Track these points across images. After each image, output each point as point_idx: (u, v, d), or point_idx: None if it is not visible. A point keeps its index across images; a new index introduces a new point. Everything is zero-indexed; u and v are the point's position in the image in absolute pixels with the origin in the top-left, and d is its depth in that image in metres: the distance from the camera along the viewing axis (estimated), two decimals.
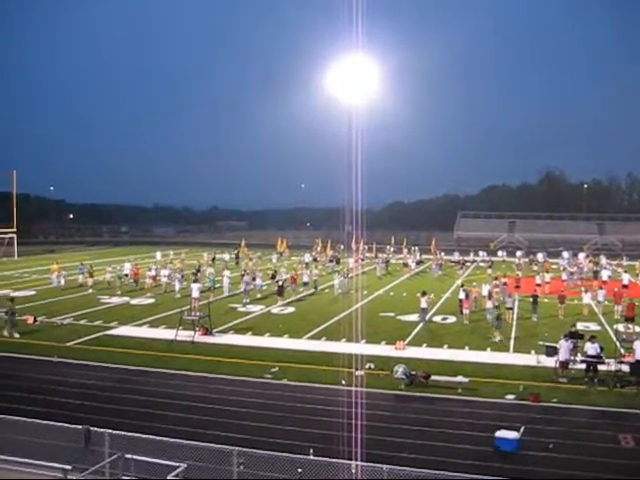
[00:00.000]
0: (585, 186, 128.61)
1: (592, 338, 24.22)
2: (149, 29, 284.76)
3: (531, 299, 35.95)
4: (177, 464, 12.60)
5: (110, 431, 13.52)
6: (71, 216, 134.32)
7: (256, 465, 12.80)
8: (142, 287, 44.68)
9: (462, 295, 35.56)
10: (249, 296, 39.69)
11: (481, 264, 63.81)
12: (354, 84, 58.11)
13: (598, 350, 23.52)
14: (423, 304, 33.51)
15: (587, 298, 37.25)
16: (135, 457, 12.92)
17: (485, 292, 37.23)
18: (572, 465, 15.89)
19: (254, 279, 43.13)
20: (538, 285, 43.57)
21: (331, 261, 60.99)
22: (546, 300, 39.16)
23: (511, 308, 34.74)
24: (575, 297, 40.37)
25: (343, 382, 22.17)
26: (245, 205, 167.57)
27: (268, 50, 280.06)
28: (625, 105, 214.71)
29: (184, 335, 29.26)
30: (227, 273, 44.72)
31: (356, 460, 13.86)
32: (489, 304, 33.67)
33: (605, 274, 49.00)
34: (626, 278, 44.94)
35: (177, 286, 42.26)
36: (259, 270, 48.08)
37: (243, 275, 43.04)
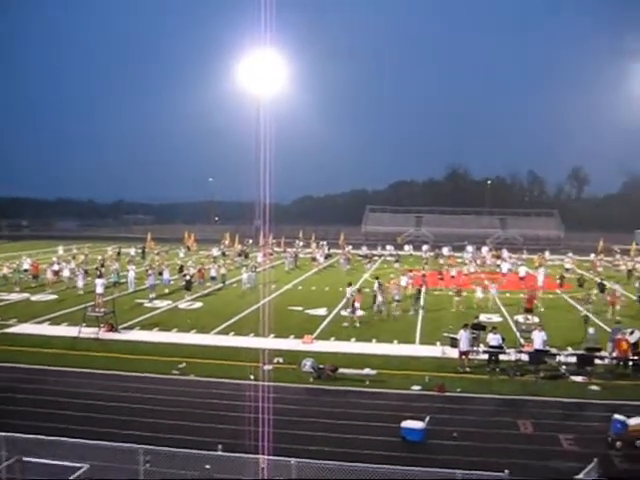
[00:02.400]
0: (488, 182, 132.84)
1: (494, 329, 25.09)
2: (46, 18, 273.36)
3: (415, 292, 36.67)
4: (79, 465, 12.21)
5: (6, 434, 12.96)
6: None
7: (163, 463, 12.56)
8: (43, 283, 43.12)
9: (376, 287, 36.49)
10: (155, 291, 38.95)
11: (388, 258, 64.79)
12: (263, 78, 57.80)
13: (500, 341, 24.42)
14: (349, 294, 34.30)
15: (492, 290, 38.13)
16: (33, 460, 12.42)
17: (404, 283, 38.80)
18: (475, 452, 16.40)
19: (161, 274, 42.45)
20: (452, 277, 45.02)
21: (239, 255, 60.66)
22: (450, 293, 40.15)
23: (399, 301, 34.99)
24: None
25: (251, 377, 22.06)
26: (152, 199, 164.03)
27: (176, 43, 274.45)
28: (527, 104, 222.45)
29: (88, 332, 28.42)
30: (132, 268, 43.78)
31: (264, 454, 13.82)
32: (379, 298, 34.33)
33: (505, 267, 51.09)
34: (523, 270, 47.66)
35: (80, 282, 40.98)
36: (166, 265, 47.25)
37: (148, 270, 42.24)
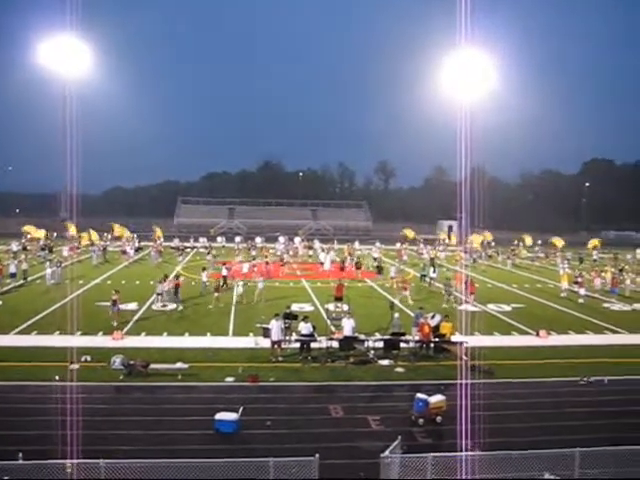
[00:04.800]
0: (300, 174, 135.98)
1: (305, 318, 25.63)
2: None
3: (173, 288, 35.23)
4: None
5: None
6: None
7: None
8: None
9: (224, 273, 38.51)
10: None
11: (201, 250, 64.29)
12: (69, 64, 54.72)
13: (311, 329, 24.98)
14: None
15: (260, 284, 37.16)
16: None
17: (246, 270, 41.05)
18: (289, 439, 16.67)
19: None
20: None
21: (43, 249, 57.34)
22: (276, 284, 40.52)
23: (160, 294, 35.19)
24: (291, 280, 42.49)
25: (57, 378, 20.90)
26: None
27: None
28: (337, 99, 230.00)
29: None
30: None
31: (72, 458, 13.19)
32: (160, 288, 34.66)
33: (323, 257, 53.96)
34: (322, 256, 54.05)
35: None
36: None
37: None
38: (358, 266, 48.31)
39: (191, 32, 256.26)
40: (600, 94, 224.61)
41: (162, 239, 66.15)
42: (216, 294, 34.26)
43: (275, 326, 24.30)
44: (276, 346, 24.31)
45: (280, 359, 24.07)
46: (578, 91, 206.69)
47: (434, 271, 44.69)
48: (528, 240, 69.89)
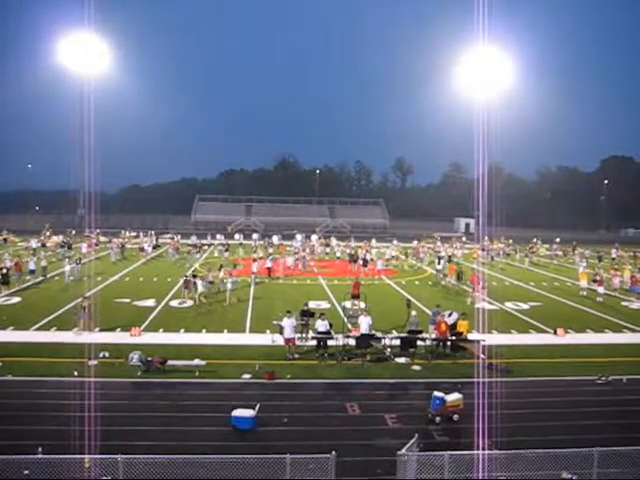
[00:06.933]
0: (317, 172, 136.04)
1: (322, 315, 25.60)
2: None
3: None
4: None
5: None
6: None
7: None
8: None
9: (255, 268, 39.82)
10: None
11: (218, 247, 64.51)
12: (87, 62, 54.82)
13: (327, 326, 24.94)
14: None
15: (229, 285, 36.36)
16: None
17: (290, 262, 42.80)
18: (305, 436, 16.67)
19: None
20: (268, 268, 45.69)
21: (62, 246, 57.76)
22: (280, 281, 40.63)
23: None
24: (308, 277, 42.50)
25: (76, 373, 21.07)
26: None
27: None
28: (354, 98, 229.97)
29: None
30: None
31: (91, 453, 13.29)
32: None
33: (340, 254, 54.52)
34: (339, 254, 56.80)
35: None
36: None
37: None
38: (354, 259, 50.12)
39: (209, 30, 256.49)
40: (619, 91, 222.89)
41: (180, 236, 66.39)
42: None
43: (287, 323, 24.32)
44: (290, 343, 24.33)
45: (297, 356, 24.10)
46: (597, 88, 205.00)
47: (439, 263, 46.47)
48: (542, 250, 68.58)
